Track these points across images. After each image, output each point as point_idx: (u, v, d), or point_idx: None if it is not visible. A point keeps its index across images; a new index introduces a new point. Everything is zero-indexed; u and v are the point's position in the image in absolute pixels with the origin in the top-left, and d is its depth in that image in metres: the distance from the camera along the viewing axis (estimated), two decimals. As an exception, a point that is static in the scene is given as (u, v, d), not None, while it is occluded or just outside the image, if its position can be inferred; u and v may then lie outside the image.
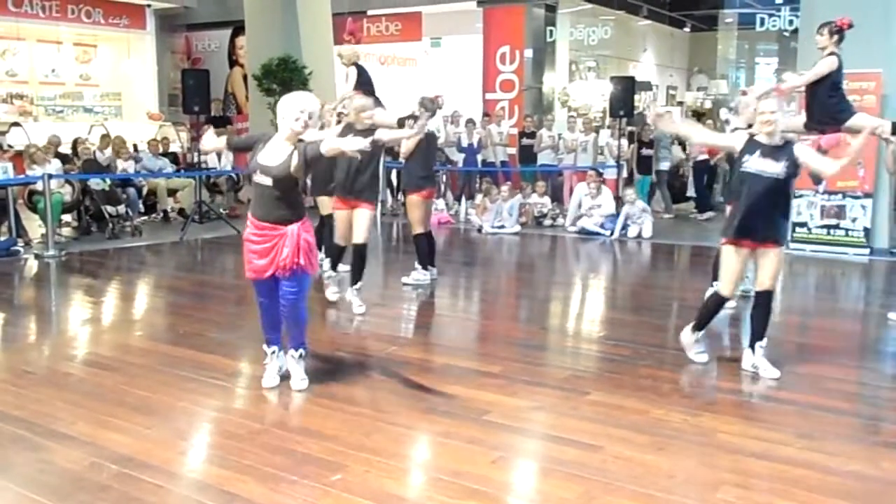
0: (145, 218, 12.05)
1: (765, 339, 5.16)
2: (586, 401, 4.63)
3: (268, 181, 4.49)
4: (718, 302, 5.30)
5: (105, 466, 3.70)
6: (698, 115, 18.15)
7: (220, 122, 15.02)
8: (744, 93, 7.63)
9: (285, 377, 4.85)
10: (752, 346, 5.20)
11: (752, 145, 4.99)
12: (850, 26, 6.48)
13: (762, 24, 14.80)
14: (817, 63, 6.50)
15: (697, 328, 5.36)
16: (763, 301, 5.15)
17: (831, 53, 6.43)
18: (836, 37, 6.47)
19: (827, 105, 6.46)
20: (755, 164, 4.92)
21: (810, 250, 9.80)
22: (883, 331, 6.29)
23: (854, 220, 9.79)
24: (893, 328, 6.27)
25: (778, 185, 4.92)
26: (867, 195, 9.76)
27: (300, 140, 4.54)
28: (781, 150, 4.92)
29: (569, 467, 3.72)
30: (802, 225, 10.03)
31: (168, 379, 4.97)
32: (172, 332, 6.27)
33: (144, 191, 12.27)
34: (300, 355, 4.82)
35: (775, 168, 4.88)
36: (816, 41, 6.57)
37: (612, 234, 11.13)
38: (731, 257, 5.10)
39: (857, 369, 5.45)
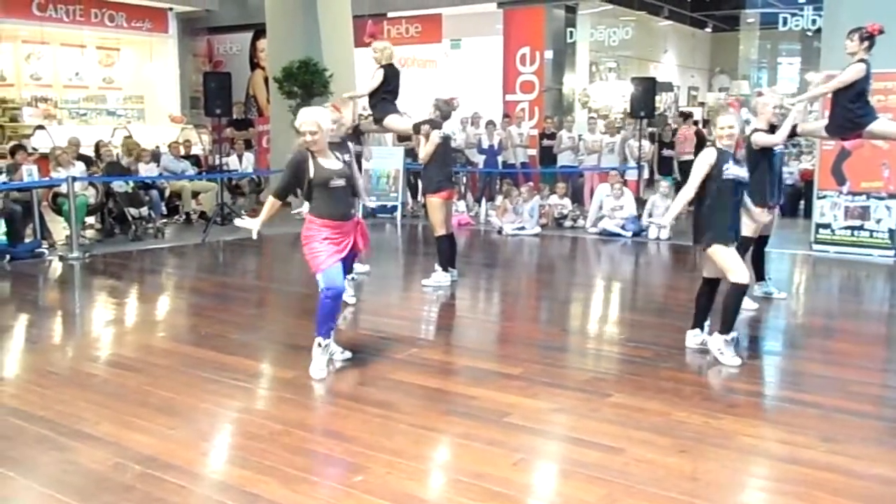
0: (167, 220, 12.14)
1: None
2: (607, 403, 4.61)
3: (342, 182, 5.09)
4: (740, 293, 5.39)
5: (129, 467, 3.73)
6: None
7: (242, 125, 15.14)
8: (759, 94, 7.60)
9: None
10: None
11: (724, 155, 5.33)
12: (881, 32, 6.43)
13: (785, 23, 14.69)
14: (845, 69, 6.46)
15: (727, 330, 5.35)
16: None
17: (861, 60, 6.38)
18: (866, 43, 6.42)
19: (849, 111, 6.42)
20: (733, 171, 5.30)
21: (834, 252, 9.71)
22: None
23: (878, 221, 9.67)
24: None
25: (742, 188, 5.45)
26: (892, 196, 9.65)
27: (334, 145, 5.35)
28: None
29: (590, 469, 3.71)
30: (826, 226, 9.93)
31: (190, 380, 5.01)
32: (194, 334, 6.32)
33: (167, 193, 12.37)
34: (318, 343, 5.11)
35: (743, 173, 5.40)
36: (846, 46, 6.52)
37: (640, 218, 11.16)
38: (730, 252, 5.40)
39: (882, 372, 5.39)
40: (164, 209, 12.12)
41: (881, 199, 9.67)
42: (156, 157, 12.45)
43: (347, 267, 5.45)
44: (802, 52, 17.28)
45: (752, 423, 4.34)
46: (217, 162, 12.73)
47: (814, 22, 13.73)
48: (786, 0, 14.73)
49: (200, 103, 14.73)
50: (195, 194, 12.60)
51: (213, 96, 12.07)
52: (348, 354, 5.37)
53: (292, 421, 4.33)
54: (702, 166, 5.38)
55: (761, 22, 15.95)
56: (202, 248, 10.50)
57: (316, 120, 5.00)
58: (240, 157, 13.31)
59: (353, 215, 5.22)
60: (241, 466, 3.77)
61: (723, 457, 3.89)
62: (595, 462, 3.78)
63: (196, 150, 14.21)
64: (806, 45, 16.08)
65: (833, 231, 9.88)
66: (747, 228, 6.97)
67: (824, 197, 9.88)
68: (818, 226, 10.04)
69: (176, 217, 12.56)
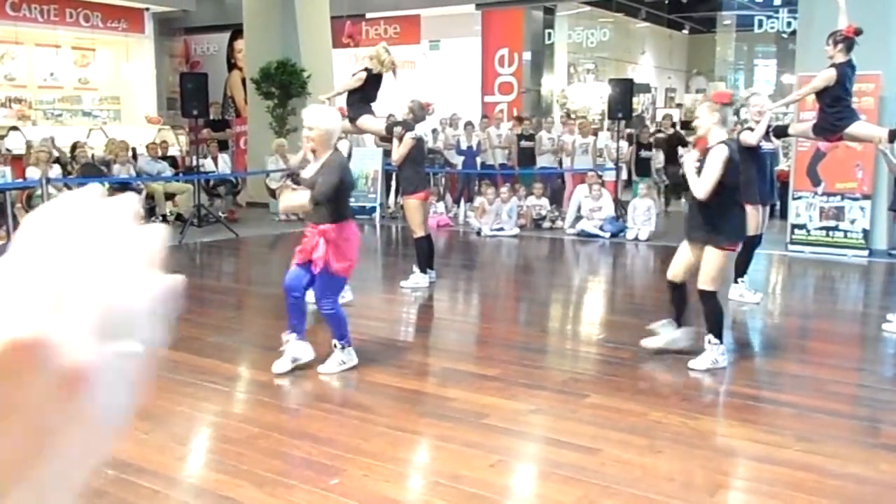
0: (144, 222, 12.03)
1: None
2: (585, 404, 4.62)
3: (306, 190, 5.08)
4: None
5: (101, 472, 3.69)
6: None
7: (219, 126, 15.05)
8: (751, 95, 7.70)
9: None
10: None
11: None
12: (858, 33, 6.50)
13: (760, 25, 14.84)
14: (817, 75, 6.54)
15: (719, 336, 5.30)
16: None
17: (833, 65, 6.45)
18: (841, 45, 6.49)
19: (827, 114, 6.50)
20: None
21: (809, 252, 9.80)
22: (882, 333, 6.28)
23: (853, 221, 9.77)
24: (891, 331, 6.25)
25: None
26: (866, 197, 9.75)
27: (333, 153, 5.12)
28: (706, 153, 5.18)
29: (567, 470, 3.72)
30: (801, 227, 10.02)
31: (166, 383, 4.95)
32: (170, 337, 6.24)
33: (143, 195, 12.25)
34: (334, 345, 5.20)
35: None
36: (825, 51, 6.59)
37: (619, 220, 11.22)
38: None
39: (856, 371, 5.44)
40: (141, 211, 12.00)
41: (855, 199, 9.77)
42: (132, 158, 12.35)
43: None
44: (778, 53, 17.44)
45: (729, 423, 4.37)
46: (194, 163, 12.63)
47: (789, 24, 13.87)
48: (761, 3, 14.85)
49: (177, 104, 14.62)
50: (171, 196, 12.50)
51: (189, 97, 11.98)
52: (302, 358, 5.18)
53: (269, 424, 4.30)
54: None
55: (737, 24, 16.11)
56: (178, 249, 10.41)
57: (312, 118, 4.99)
58: (214, 159, 13.21)
59: (315, 220, 4.98)
60: (216, 470, 3.74)
61: (699, 457, 3.91)
62: (572, 463, 3.79)
63: (173, 150, 14.10)
64: (781, 47, 16.24)
65: (808, 231, 9.98)
66: (749, 226, 7.09)
67: (800, 198, 9.97)
68: (794, 226, 10.13)
69: (152, 219, 12.45)
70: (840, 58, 6.58)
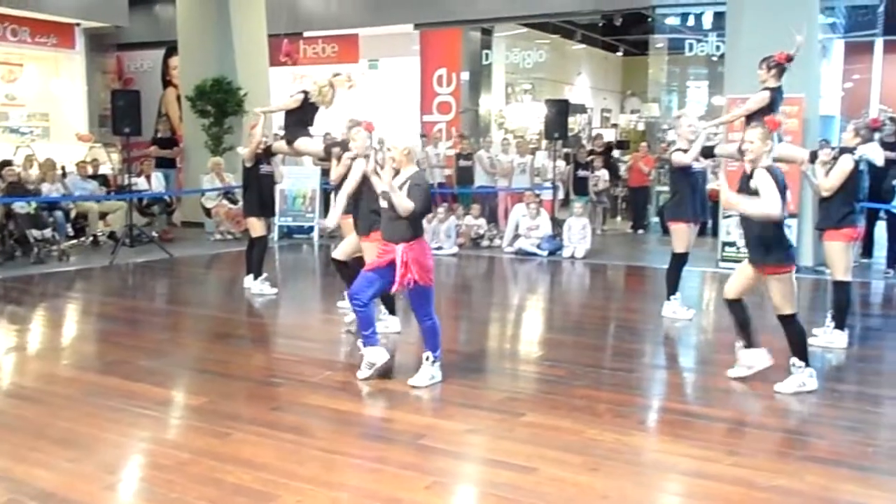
0: (73, 242, 11.71)
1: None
2: (522, 422, 4.64)
3: (385, 205, 5.33)
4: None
5: (23, 503, 3.55)
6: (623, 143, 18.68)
7: (167, 144, 14.77)
8: (678, 116, 7.90)
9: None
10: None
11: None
12: (790, 60, 6.71)
13: (691, 49, 15.22)
14: (751, 98, 6.72)
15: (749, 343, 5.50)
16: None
17: (766, 88, 6.65)
18: (774, 70, 6.70)
19: None
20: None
21: (740, 269, 10.03)
22: (809, 347, 6.43)
23: (780, 239, 10.04)
24: (817, 345, 6.43)
25: None
26: (792, 215, 10.03)
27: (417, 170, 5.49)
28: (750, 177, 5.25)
29: (503, 490, 3.72)
30: (731, 244, 10.28)
31: (94, 409, 4.82)
32: (100, 361, 6.09)
33: (73, 214, 11.94)
34: (426, 357, 5.41)
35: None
36: (758, 75, 6.79)
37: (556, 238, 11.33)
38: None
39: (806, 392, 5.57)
40: (69, 230, 11.69)
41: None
42: (62, 176, 12.03)
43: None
44: (709, 76, 17.89)
45: (662, 438, 4.43)
46: (126, 182, 12.35)
47: (718, 48, 14.27)
48: (692, 27, 15.26)
49: (109, 121, 14.31)
50: (103, 215, 12.20)
51: (121, 114, 11.72)
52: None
53: (201, 449, 4.20)
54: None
55: (669, 47, 16.48)
56: (110, 270, 10.17)
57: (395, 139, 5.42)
58: (147, 177, 12.94)
59: (396, 238, 5.23)
60: (145, 499, 3.65)
61: (633, 473, 3.95)
62: (508, 482, 3.79)
63: (105, 169, 13.79)
64: (712, 70, 16.66)
65: (738, 249, 10.21)
66: (682, 244, 7.24)
67: (730, 216, 10.22)
68: (724, 244, 10.39)
69: (82, 239, 12.13)
70: (772, 83, 6.78)
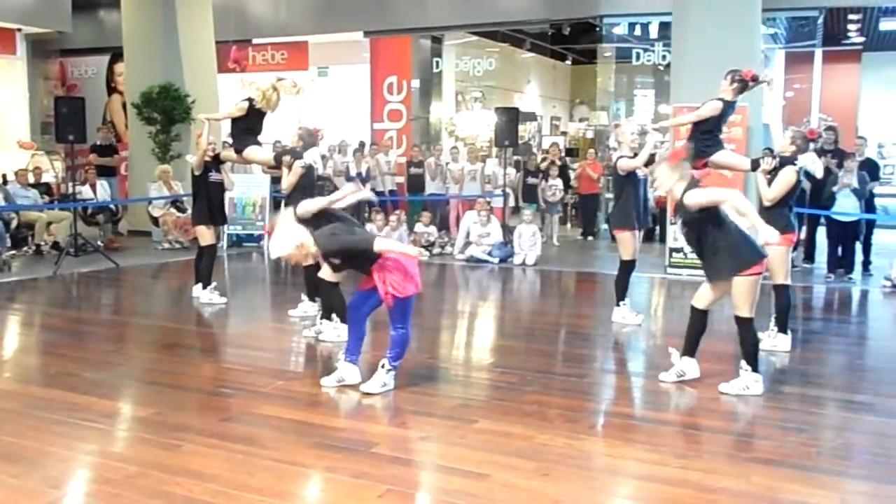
0: (15, 252, 11.42)
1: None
2: (473, 429, 4.66)
3: None
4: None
5: (-36, 520, 3.46)
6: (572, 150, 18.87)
7: (107, 151, 14.49)
8: (617, 125, 8.03)
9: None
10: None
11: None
12: (755, 80, 6.86)
13: (638, 58, 15.47)
14: (704, 104, 6.84)
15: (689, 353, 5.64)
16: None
17: (720, 99, 6.77)
18: (736, 85, 6.81)
19: (699, 140, 6.82)
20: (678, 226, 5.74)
21: (687, 275, 10.21)
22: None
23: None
24: (762, 349, 6.58)
25: (689, 232, 5.47)
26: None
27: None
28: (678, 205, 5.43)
29: (455, 497, 3.73)
30: (679, 251, 10.45)
31: (38, 423, 4.71)
32: (43, 373, 5.95)
33: (13, 224, 11.63)
34: (382, 365, 5.38)
35: (680, 225, 5.62)
36: (721, 84, 6.92)
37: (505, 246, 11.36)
38: None
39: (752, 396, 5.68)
40: (8, 241, 11.38)
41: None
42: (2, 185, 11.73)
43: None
44: (656, 85, 18.20)
45: (612, 442, 4.49)
46: (70, 190, 12.09)
47: (664, 57, 14.53)
48: (639, 36, 15.52)
49: (52, 128, 14.01)
50: (48, 224, 11.91)
51: (64, 121, 11.48)
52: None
53: (149, 462, 4.13)
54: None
55: (617, 56, 16.71)
56: (54, 280, 9.94)
57: None
58: (92, 185, 12.69)
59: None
60: (91, 513, 3.57)
61: (584, 478, 3.99)
62: (460, 489, 3.80)
63: (48, 177, 13.48)
64: (658, 79, 16.95)
65: (685, 255, 10.39)
66: (629, 251, 7.33)
67: (676, 223, 10.40)
68: (671, 250, 10.57)
69: (25, 248, 11.84)
70: (729, 96, 6.89)
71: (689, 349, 5.66)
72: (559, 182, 13.65)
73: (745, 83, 6.89)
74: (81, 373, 5.78)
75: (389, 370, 5.33)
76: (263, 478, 3.93)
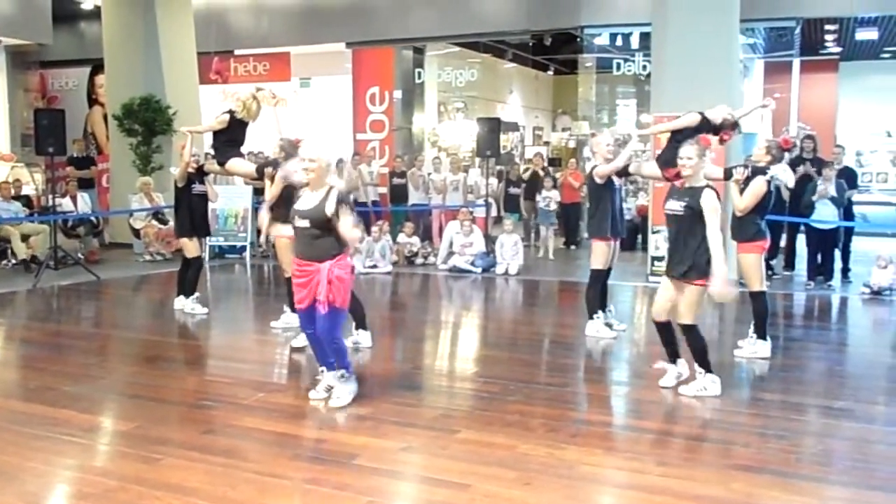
0: (-5, 265, 11.32)
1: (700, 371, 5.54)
2: (456, 439, 4.66)
3: (305, 223, 5.06)
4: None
5: (-59, 537, 3.42)
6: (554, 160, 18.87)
7: (84, 163, 14.42)
8: (593, 135, 8.07)
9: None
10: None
11: (670, 190, 5.60)
12: (735, 127, 6.98)
13: (619, 68, 15.60)
14: (684, 115, 6.87)
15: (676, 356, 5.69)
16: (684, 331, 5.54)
17: (700, 114, 6.79)
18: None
19: (675, 148, 6.84)
20: (668, 205, 5.50)
21: (668, 283, 10.27)
22: (734, 358, 6.65)
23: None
24: (742, 356, 6.63)
25: (681, 221, 5.39)
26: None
27: (332, 186, 5.10)
28: (688, 190, 5.40)
29: (438, 508, 3.73)
30: (661, 259, 10.47)
31: (17, 438, 4.67)
32: (22, 387, 5.90)
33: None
34: (341, 375, 5.26)
35: (675, 205, 5.41)
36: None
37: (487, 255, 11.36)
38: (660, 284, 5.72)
39: (712, 396, 5.70)
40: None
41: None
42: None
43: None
44: (637, 94, 18.33)
45: (593, 451, 4.50)
46: (50, 203, 12.02)
47: (644, 67, 14.65)
48: (619, 47, 15.64)
49: (32, 140, 13.93)
50: (25, 237, 11.82)
51: (44, 133, 11.40)
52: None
53: (129, 476, 4.10)
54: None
55: (598, 66, 16.84)
56: (33, 294, 9.86)
57: (316, 151, 5.14)
58: (73, 198, 12.61)
59: (318, 259, 5.03)
60: (70, 529, 3.54)
61: (565, 486, 4.00)
62: (442, 500, 3.80)
63: (28, 189, 13.39)
64: (639, 89, 17.08)
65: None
66: (600, 261, 7.33)
67: (658, 231, 10.46)
68: (653, 258, 10.63)
69: (3, 262, 11.74)
70: (714, 118, 6.85)
71: (674, 355, 5.73)
72: (554, 193, 13.27)
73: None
74: (61, 386, 5.74)
75: (350, 375, 5.33)
76: (244, 490, 3.91)
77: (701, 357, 5.51)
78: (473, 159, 16.47)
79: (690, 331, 5.48)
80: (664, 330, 5.66)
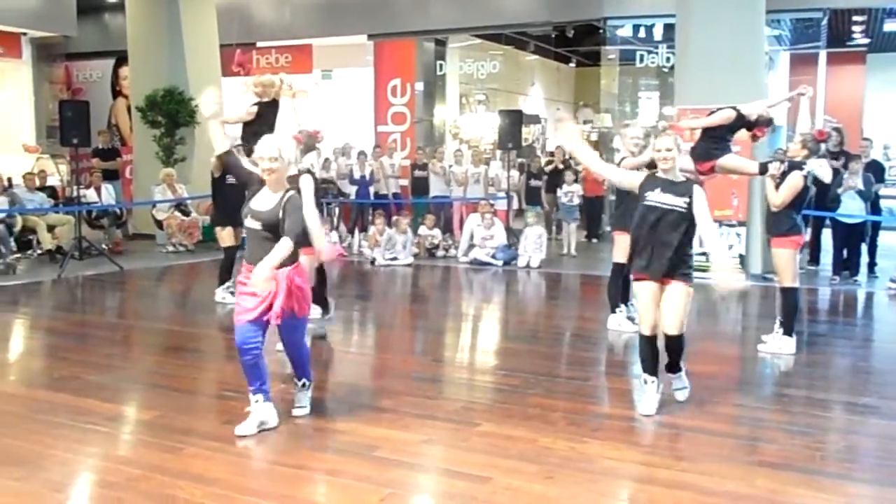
0: (20, 255, 11.44)
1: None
2: (476, 432, 4.65)
3: (257, 225, 4.53)
4: (644, 342, 5.11)
5: (-34, 524, 3.46)
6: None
7: (109, 155, 14.52)
8: (626, 125, 8.00)
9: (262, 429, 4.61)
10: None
11: (652, 182, 4.99)
12: (768, 124, 6.83)
13: (642, 60, 15.45)
14: (717, 112, 6.76)
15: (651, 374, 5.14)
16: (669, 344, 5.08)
17: (735, 109, 6.69)
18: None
19: (707, 142, 6.78)
20: (656, 197, 4.91)
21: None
22: (758, 353, 6.59)
23: (730, 247, 10.26)
24: (766, 351, 6.56)
25: (678, 218, 4.89)
26: (741, 223, 10.27)
27: (290, 188, 4.61)
28: (682, 185, 4.94)
29: (457, 500, 3.72)
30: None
31: (41, 426, 4.71)
32: (47, 376, 5.96)
33: (17, 227, 11.63)
34: (303, 384, 4.95)
35: (677, 201, 4.87)
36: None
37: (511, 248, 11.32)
38: (639, 293, 5.10)
39: (734, 391, 5.67)
40: (13, 244, 11.38)
41: (732, 226, 10.27)
42: (8, 193, 11.73)
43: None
44: (660, 87, 18.17)
45: (615, 445, 4.47)
46: (75, 193, 12.13)
47: (668, 59, 14.50)
48: (643, 38, 15.50)
49: (58, 132, 14.06)
50: (51, 228, 11.93)
51: (69, 125, 11.51)
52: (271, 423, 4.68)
53: (151, 465, 4.13)
54: (624, 176, 5.37)
55: (620, 58, 16.69)
56: (58, 284, 9.96)
57: (275, 150, 4.54)
58: (97, 189, 12.71)
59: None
60: (93, 517, 3.57)
61: (588, 481, 3.98)
62: (462, 493, 3.79)
63: (53, 180, 13.51)
64: (663, 81, 16.92)
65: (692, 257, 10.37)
66: (622, 254, 7.26)
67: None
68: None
69: (29, 252, 11.86)
70: (749, 114, 6.73)
71: (678, 365, 5.31)
72: (577, 188, 12.97)
73: (771, 124, 6.86)
74: (85, 376, 5.79)
75: (310, 385, 4.97)
76: (265, 481, 3.93)
77: (675, 361, 5.14)
78: (495, 152, 16.41)
79: (677, 340, 5.03)
80: (653, 345, 5.09)
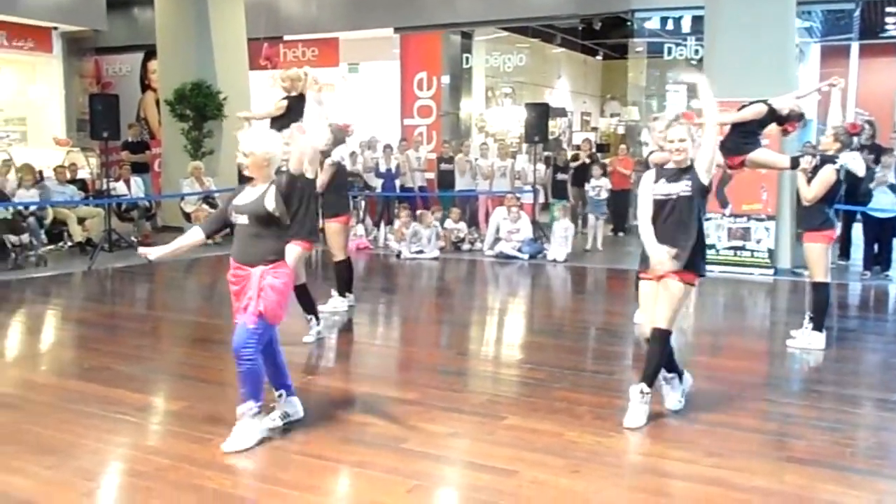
0: (51, 247, 11.59)
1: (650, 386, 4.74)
2: (502, 425, 4.64)
3: (244, 219, 4.36)
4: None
5: (1, 511, 3.52)
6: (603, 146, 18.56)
7: (138, 148, 14.66)
8: (655, 119, 7.94)
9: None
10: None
11: (659, 175, 4.77)
12: (800, 118, 6.72)
13: (670, 53, 15.34)
14: (749, 106, 6.67)
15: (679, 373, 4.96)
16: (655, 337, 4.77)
17: (766, 104, 6.60)
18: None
19: (737, 135, 6.71)
20: (661, 189, 4.70)
21: (718, 271, 10.10)
22: (787, 349, 6.52)
23: (759, 241, 10.17)
24: (796, 346, 6.50)
25: (678, 206, 4.65)
26: (770, 217, 10.16)
27: (273, 181, 4.39)
28: (685, 171, 4.69)
29: (484, 493, 3.72)
30: (711, 247, 10.32)
31: (72, 416, 4.78)
32: (78, 367, 6.03)
33: (47, 220, 11.79)
34: (250, 408, 4.29)
35: (675, 188, 4.66)
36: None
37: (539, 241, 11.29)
38: (643, 289, 4.98)
39: (763, 387, 5.62)
40: (44, 236, 11.53)
41: (761, 220, 10.17)
42: (38, 182, 11.89)
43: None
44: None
45: (642, 440, 4.45)
46: (105, 186, 12.26)
47: (696, 52, 14.37)
48: (671, 31, 15.38)
49: (87, 125, 14.21)
50: (81, 220, 12.08)
51: (99, 119, 11.64)
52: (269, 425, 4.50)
53: (180, 455, 4.17)
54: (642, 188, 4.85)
55: (648, 51, 16.59)
56: (89, 276, 10.08)
57: (251, 143, 4.35)
58: (126, 182, 12.84)
59: (252, 263, 4.31)
60: (124, 505, 3.61)
61: (614, 475, 3.97)
62: (488, 486, 3.80)
63: (83, 173, 13.67)
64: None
65: (717, 251, 10.30)
66: None
67: (709, 219, 10.28)
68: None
69: (60, 244, 12.01)
70: (781, 109, 6.62)
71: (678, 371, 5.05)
72: (604, 182, 12.71)
73: (802, 119, 6.76)
74: (115, 366, 5.86)
75: (260, 412, 4.38)
76: (293, 472, 3.95)
77: (654, 373, 4.76)
78: (521, 145, 16.36)
79: (663, 338, 4.72)
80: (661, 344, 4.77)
